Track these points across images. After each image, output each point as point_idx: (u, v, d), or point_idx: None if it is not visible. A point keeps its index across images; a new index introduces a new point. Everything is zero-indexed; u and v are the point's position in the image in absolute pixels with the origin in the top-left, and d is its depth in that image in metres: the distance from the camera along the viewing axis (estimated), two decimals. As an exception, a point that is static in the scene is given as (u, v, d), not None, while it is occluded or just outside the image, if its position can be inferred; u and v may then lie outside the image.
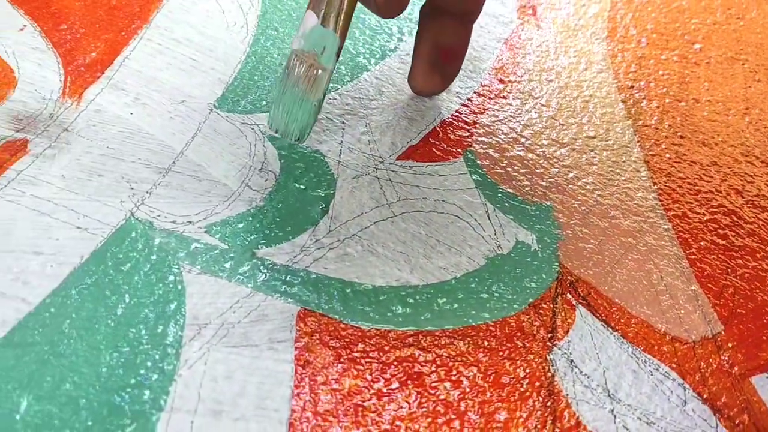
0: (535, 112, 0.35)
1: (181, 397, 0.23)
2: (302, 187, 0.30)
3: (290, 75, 0.28)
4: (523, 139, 0.33)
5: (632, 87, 0.37)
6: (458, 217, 0.30)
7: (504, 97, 0.35)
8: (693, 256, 0.31)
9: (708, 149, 0.35)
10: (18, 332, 0.24)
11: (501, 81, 0.36)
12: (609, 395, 0.26)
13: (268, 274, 0.27)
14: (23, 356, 0.23)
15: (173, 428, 0.23)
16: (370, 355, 0.25)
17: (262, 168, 0.30)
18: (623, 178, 0.33)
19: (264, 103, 0.33)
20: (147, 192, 0.28)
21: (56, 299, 0.25)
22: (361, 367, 0.25)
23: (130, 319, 0.25)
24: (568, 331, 0.27)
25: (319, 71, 0.28)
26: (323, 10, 0.27)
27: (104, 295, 0.25)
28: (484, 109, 0.35)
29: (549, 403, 0.25)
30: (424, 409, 0.24)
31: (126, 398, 0.23)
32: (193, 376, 0.24)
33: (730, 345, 0.28)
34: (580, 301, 0.28)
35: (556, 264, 0.29)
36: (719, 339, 0.28)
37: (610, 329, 0.28)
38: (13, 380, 0.23)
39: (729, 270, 0.30)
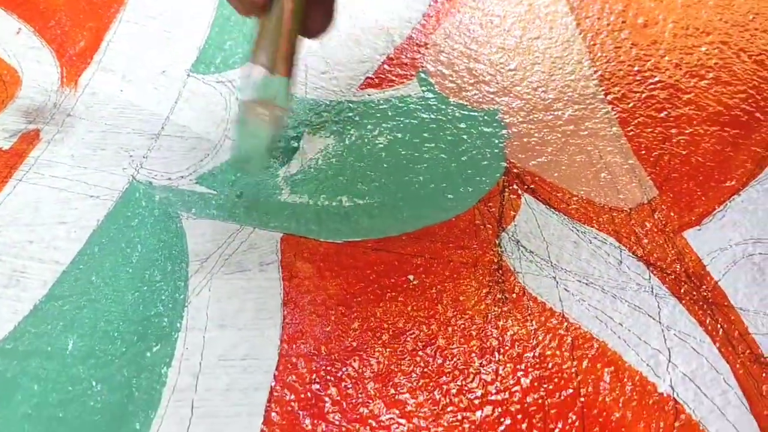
0: (482, 24, 0.38)
1: (193, 319, 0.29)
2: (275, 129, 0.34)
3: (249, 123, 0.29)
4: (470, 51, 0.37)
5: (572, -18, 0.40)
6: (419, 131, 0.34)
7: (452, 15, 0.39)
8: (631, 132, 0.34)
9: (649, 30, 0.38)
10: (57, 288, 0.30)
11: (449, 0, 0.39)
12: (551, 265, 0.30)
13: (251, 210, 0.32)
14: (64, 306, 0.29)
15: (190, 343, 0.28)
16: (345, 263, 0.30)
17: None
18: (566, 71, 0.36)
19: (232, 60, 0.37)
20: (144, 157, 0.33)
21: (83, 257, 0.30)
22: (339, 274, 0.30)
23: (144, 264, 0.30)
24: (514, 218, 0.31)
25: (278, 113, 0.29)
26: (269, 60, 0.28)
27: (121, 248, 0.31)
28: (433, 29, 0.38)
29: (498, 278, 0.30)
30: (396, 298, 0.29)
31: (149, 326, 0.29)
32: (200, 300, 0.29)
33: (663, 207, 0.32)
34: (526, 189, 0.32)
35: (503, 161, 0.33)
36: (654, 203, 0.32)
37: (553, 209, 0.32)
38: (60, 325, 0.29)
39: (665, 139, 0.34)
